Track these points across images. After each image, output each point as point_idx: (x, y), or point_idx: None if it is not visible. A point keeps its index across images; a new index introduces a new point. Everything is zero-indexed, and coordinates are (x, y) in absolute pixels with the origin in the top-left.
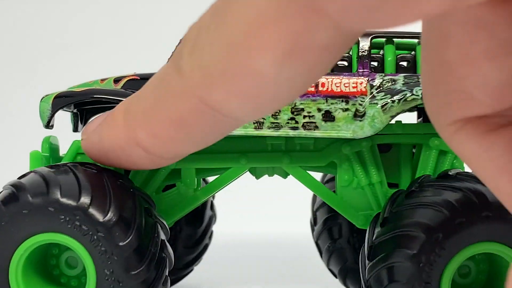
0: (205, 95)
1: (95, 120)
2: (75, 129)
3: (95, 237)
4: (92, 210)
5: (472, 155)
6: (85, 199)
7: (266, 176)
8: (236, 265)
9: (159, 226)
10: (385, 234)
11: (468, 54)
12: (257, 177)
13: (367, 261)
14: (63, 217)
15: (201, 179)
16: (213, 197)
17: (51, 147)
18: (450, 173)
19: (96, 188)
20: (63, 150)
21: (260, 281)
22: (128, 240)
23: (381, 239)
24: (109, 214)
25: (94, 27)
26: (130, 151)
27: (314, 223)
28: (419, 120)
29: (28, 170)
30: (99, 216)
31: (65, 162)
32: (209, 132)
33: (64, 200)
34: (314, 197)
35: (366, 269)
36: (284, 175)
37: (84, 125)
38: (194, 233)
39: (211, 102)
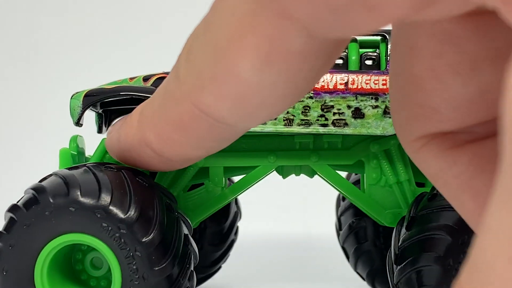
0: (197, 99)
1: (119, 121)
2: (99, 131)
3: (117, 234)
4: (112, 208)
5: (436, 171)
6: (105, 197)
7: (291, 176)
8: (257, 264)
9: (181, 221)
10: (412, 238)
11: (435, 68)
12: (284, 176)
13: (394, 266)
14: (84, 216)
15: (227, 179)
16: None
17: (78, 146)
18: None
19: (115, 186)
20: (88, 151)
21: (279, 280)
22: (151, 236)
23: (408, 243)
24: (130, 211)
25: (118, 26)
26: (142, 151)
27: (339, 228)
28: None
29: (57, 168)
30: (120, 214)
31: (84, 163)
32: (207, 137)
33: (84, 199)
34: (338, 202)
35: (395, 274)
36: (311, 174)
37: (108, 127)
38: (219, 229)
39: (202, 106)
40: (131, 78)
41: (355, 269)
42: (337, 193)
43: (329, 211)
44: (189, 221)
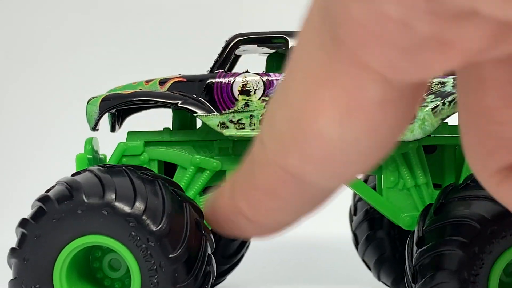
0: (282, 161)
1: (213, 192)
2: (113, 129)
3: (144, 246)
4: (145, 218)
5: None
6: (139, 206)
7: None
8: (261, 266)
9: (206, 239)
10: (438, 222)
11: (508, 96)
12: None
13: (415, 248)
14: (116, 221)
15: None
16: None
17: (93, 148)
18: None
19: (150, 195)
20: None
21: (281, 282)
22: (178, 252)
23: (434, 227)
24: (161, 224)
25: (123, 29)
26: (236, 220)
27: (354, 212)
28: None
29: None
30: (152, 226)
31: (120, 164)
32: (298, 200)
33: (118, 204)
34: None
35: (414, 256)
36: None
37: (120, 126)
38: (233, 243)
39: (289, 168)
40: (147, 81)
41: (363, 257)
42: (345, 196)
43: (336, 211)
44: (212, 239)
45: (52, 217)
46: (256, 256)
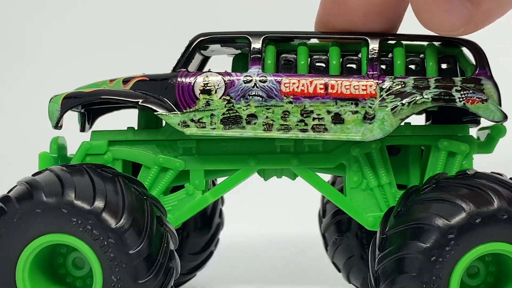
0: None
1: None
2: (82, 129)
3: (105, 242)
4: (105, 215)
5: None
6: (99, 204)
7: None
8: (236, 265)
9: (169, 235)
10: (399, 226)
11: None
12: (266, 179)
13: (377, 252)
14: (75, 219)
15: (210, 181)
16: (222, 203)
17: (59, 148)
18: (469, 172)
19: (110, 193)
20: (70, 150)
21: (260, 281)
22: (138, 248)
23: (395, 231)
24: (121, 221)
25: (98, 27)
26: None
27: (322, 215)
28: (427, 123)
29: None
30: (111, 222)
31: (81, 163)
32: None
33: (78, 202)
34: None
35: (376, 260)
36: (293, 176)
37: (91, 126)
38: (201, 239)
39: None
40: (111, 80)
41: (332, 259)
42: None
43: (314, 209)
44: (176, 235)
45: (12, 217)
46: (231, 253)
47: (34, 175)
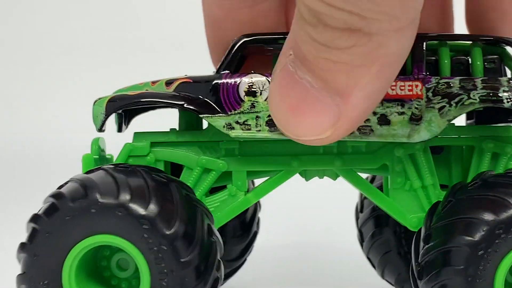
0: None
1: None
2: (119, 130)
3: (156, 248)
4: (158, 221)
5: None
6: (153, 209)
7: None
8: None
9: (217, 245)
10: (446, 219)
11: None
12: (307, 179)
13: (422, 244)
14: (128, 223)
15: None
16: (260, 208)
17: (100, 149)
18: None
19: (164, 198)
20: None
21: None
22: (189, 256)
23: (441, 224)
24: (174, 228)
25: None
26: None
27: (360, 209)
28: (468, 122)
29: (80, 172)
30: (164, 228)
31: (135, 164)
32: None
33: (133, 206)
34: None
35: (421, 252)
36: (334, 176)
37: (127, 126)
38: (237, 247)
39: None
40: (153, 82)
41: (367, 254)
42: (350, 196)
43: (341, 213)
44: (222, 243)
45: (65, 214)
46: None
47: (87, 173)
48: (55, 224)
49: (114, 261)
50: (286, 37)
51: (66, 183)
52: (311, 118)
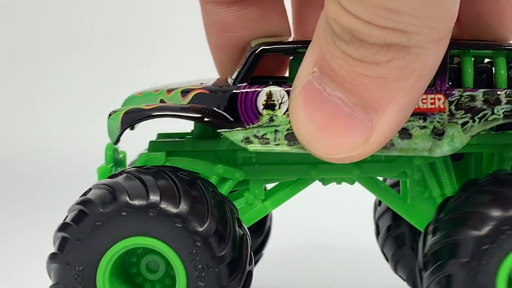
0: None
1: None
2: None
3: (190, 246)
4: (191, 218)
5: None
6: (185, 206)
7: None
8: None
9: (247, 237)
10: (455, 212)
11: None
12: (324, 184)
13: (429, 236)
14: (161, 222)
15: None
16: None
17: (113, 153)
18: None
19: (194, 195)
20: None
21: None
22: (224, 251)
23: (450, 216)
24: (207, 224)
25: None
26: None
27: (378, 203)
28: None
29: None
30: (197, 225)
31: (159, 165)
32: None
33: (164, 205)
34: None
35: (428, 243)
36: (351, 182)
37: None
38: (254, 243)
39: None
40: (169, 91)
41: (395, 272)
42: (363, 199)
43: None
44: (249, 236)
45: (95, 219)
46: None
47: (110, 177)
48: (86, 230)
49: (143, 266)
50: (303, 46)
51: (89, 190)
52: (343, 136)
